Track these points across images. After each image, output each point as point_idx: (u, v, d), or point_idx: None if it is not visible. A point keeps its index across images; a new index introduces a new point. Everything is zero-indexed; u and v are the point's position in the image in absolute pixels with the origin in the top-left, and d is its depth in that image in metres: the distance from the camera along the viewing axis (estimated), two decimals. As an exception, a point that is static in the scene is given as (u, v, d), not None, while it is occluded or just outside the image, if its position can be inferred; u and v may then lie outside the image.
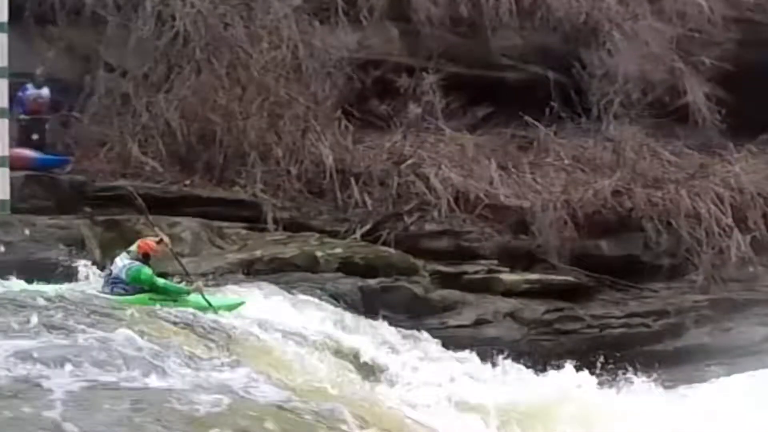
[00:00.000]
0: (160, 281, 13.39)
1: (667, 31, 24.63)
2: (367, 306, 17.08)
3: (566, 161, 23.02)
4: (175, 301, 13.13)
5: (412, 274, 18.91)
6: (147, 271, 13.21)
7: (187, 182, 20.03)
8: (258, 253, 18.16)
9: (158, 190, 19.48)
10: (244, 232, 19.12)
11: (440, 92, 22.63)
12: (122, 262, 13.31)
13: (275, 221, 19.56)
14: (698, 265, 21.99)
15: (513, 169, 22.12)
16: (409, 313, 17.90)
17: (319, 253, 18.28)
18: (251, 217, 19.62)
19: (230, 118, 20.45)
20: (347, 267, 18.30)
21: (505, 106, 23.03)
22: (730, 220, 22.71)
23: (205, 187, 20.19)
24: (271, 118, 21.00)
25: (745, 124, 23.95)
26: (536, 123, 23.32)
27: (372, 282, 18.12)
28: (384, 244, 19.64)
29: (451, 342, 16.08)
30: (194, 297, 13.41)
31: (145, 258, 13.37)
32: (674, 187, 22.62)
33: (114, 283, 13.20)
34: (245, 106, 20.72)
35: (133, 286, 13.14)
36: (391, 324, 16.02)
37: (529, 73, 24.01)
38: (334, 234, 19.74)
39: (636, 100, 23.66)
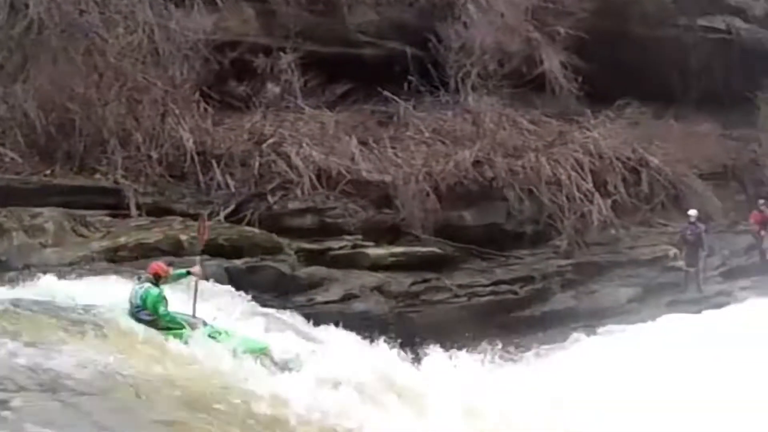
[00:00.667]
0: (162, 309, 12.39)
1: (522, 2, 25.19)
2: (234, 287, 16.75)
3: (426, 134, 23.37)
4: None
5: (278, 252, 19.03)
6: (153, 292, 12.47)
7: (48, 172, 19.67)
8: (122, 239, 17.95)
9: (18, 181, 19.04)
10: (107, 219, 18.87)
11: (298, 71, 22.77)
12: (135, 287, 12.67)
13: (138, 207, 19.38)
14: (561, 231, 22.79)
15: (374, 145, 22.34)
16: (277, 291, 18.05)
17: (183, 237, 18.09)
18: (114, 203, 19.39)
19: (88, 106, 20.08)
20: (212, 249, 17.84)
21: (364, 82, 23.32)
22: (590, 185, 23.56)
23: (66, 176, 19.76)
24: (130, 104, 20.79)
25: (602, 91, 24.78)
26: (395, 98, 23.65)
27: (238, 263, 18.18)
28: (248, 224, 19.71)
29: (320, 318, 16.29)
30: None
31: (156, 279, 12.69)
32: (534, 155, 23.23)
33: (137, 311, 12.44)
34: (103, 92, 20.39)
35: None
36: (259, 303, 16.05)
37: (387, 48, 24.22)
38: (197, 217, 19.39)
39: (493, 71, 24.06)
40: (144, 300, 12.44)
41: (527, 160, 23.08)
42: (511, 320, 20.44)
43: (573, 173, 23.48)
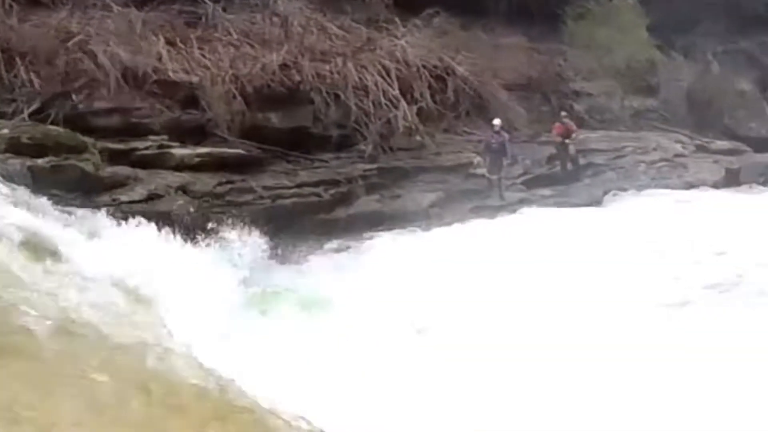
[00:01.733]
0: None
1: None
2: (38, 186, 16.93)
3: (234, 36, 23.61)
4: None
5: (82, 152, 19.06)
6: None
7: None
8: (-77, 139, 17.82)
9: None
10: None
11: (107, -31, 22.52)
12: None
13: (-60, 104, 19.15)
14: (367, 136, 23.50)
15: (181, 45, 22.43)
16: (80, 191, 18.18)
17: (-13, 134, 18.01)
18: None
19: None
20: (15, 147, 18.23)
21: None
22: (396, 92, 24.26)
23: None
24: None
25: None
26: None
27: (41, 162, 18.14)
28: (53, 123, 19.62)
29: (124, 218, 16.70)
30: None
31: None
32: (342, 60, 23.81)
33: None
34: None
35: None
36: (62, 203, 16.46)
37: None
38: (1, 115, 19.56)
39: None
40: None
41: (334, 65, 23.60)
42: (316, 222, 21.10)
43: (380, 79, 24.09)
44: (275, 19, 24.41)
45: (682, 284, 15.31)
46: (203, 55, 22.47)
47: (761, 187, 27.74)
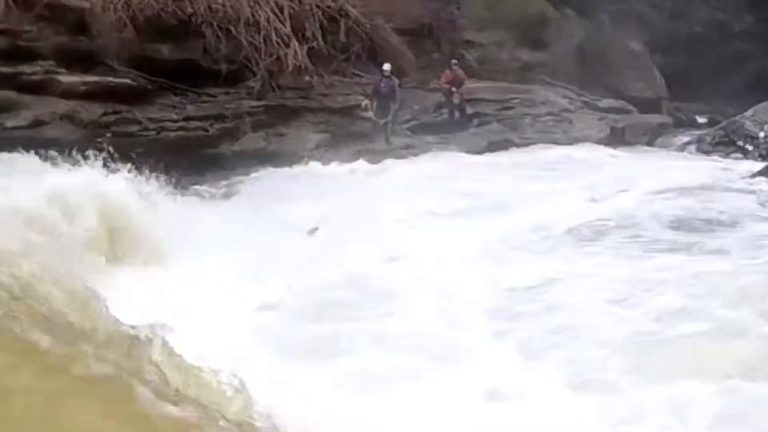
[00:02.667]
0: None
1: None
2: None
3: None
4: None
5: None
6: None
7: None
8: None
9: None
10: None
11: None
12: None
13: None
14: (256, 72, 23.90)
15: None
16: None
17: None
18: None
19: None
20: None
21: None
22: (288, 30, 24.68)
23: None
24: None
25: None
26: None
27: None
28: None
29: (8, 143, 16.76)
30: None
31: None
32: (235, -5, 23.97)
33: None
34: None
35: None
36: None
37: None
38: None
39: None
40: None
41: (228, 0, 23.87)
42: (202, 156, 21.44)
43: (272, 16, 24.47)
44: (171, -52, 24.29)
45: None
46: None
47: (645, 147, 28.98)
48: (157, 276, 12.27)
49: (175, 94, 22.75)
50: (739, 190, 19.31)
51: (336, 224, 15.64)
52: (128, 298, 9.42)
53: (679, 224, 15.40)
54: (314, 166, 22.56)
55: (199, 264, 12.66)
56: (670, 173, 21.14)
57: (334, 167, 22.54)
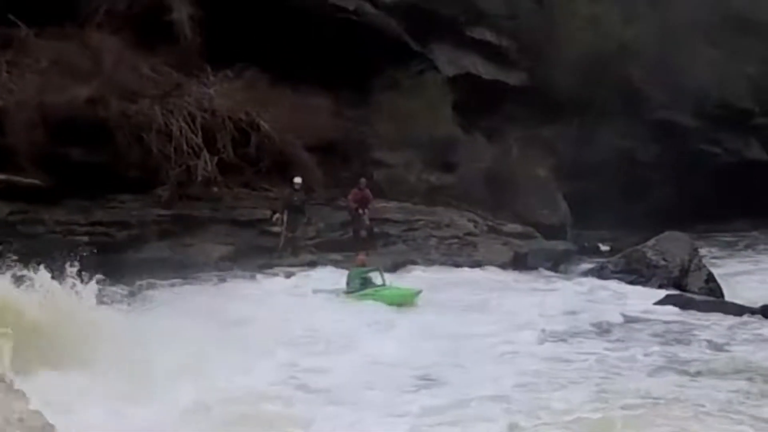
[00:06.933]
0: None
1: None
2: None
3: (44, 64, 24.25)
4: None
5: None
6: None
7: None
8: None
9: None
10: None
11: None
12: None
13: None
14: (165, 181, 24.59)
15: None
16: None
17: None
18: None
19: None
20: None
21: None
22: (200, 140, 25.49)
23: None
24: None
25: (224, 50, 26.54)
26: (18, 22, 24.43)
27: None
28: None
29: None
30: None
31: None
32: (149, 102, 24.95)
33: None
34: None
35: None
36: None
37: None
38: None
39: (121, 12, 25.46)
40: None
41: (141, 106, 24.67)
42: (108, 261, 20.93)
43: (184, 126, 25.28)
44: (87, 51, 24.96)
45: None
46: (11, 80, 23.22)
47: (548, 272, 29.75)
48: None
49: (84, 198, 23.21)
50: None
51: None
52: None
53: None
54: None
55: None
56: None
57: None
